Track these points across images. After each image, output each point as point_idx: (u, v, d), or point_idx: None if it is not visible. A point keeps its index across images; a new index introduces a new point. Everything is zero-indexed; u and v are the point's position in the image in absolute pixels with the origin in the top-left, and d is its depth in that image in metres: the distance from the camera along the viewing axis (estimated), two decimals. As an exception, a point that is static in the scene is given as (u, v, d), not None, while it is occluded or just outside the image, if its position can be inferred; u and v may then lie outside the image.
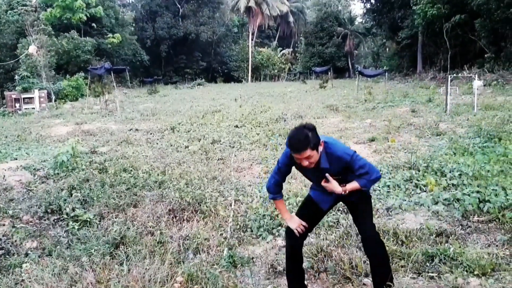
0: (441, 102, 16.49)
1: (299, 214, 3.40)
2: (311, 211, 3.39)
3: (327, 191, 3.21)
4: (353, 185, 3.06)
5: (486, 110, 14.03)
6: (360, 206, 3.24)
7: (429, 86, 26.72)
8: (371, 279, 3.29)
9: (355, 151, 3.08)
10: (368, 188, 3.14)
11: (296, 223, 3.26)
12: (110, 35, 47.45)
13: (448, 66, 33.68)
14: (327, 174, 3.04)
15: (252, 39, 62.39)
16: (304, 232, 3.34)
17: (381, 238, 3.20)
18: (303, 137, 2.88)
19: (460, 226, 4.70)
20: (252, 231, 4.94)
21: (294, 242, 3.34)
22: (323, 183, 3.08)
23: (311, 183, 3.48)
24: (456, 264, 3.78)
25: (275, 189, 3.34)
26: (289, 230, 3.34)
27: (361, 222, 3.22)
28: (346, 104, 18.55)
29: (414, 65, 41.93)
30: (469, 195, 5.40)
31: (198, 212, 5.42)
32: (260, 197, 6.00)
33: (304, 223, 3.25)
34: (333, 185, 3.04)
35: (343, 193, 3.04)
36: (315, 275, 3.84)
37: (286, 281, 3.50)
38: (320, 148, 2.98)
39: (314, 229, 3.95)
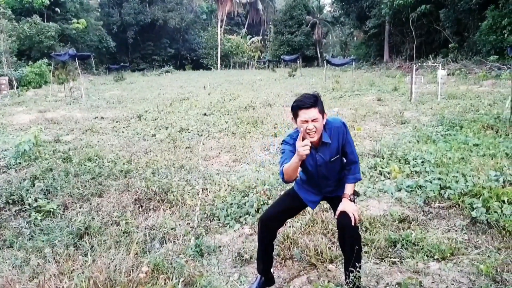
0: (406, 91, 16.85)
1: (281, 204, 3.39)
2: (293, 205, 3.40)
3: (317, 189, 3.28)
4: (349, 188, 3.16)
5: (449, 98, 14.43)
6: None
7: (395, 75, 27.23)
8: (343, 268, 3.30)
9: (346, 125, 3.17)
10: (358, 173, 3.22)
11: (300, 143, 2.83)
12: (74, 20, 46.13)
13: (414, 55, 34.41)
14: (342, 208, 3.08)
15: (221, 26, 61.88)
16: (280, 220, 3.38)
17: (358, 231, 3.19)
18: (313, 96, 2.98)
19: (422, 212, 4.83)
20: (219, 219, 4.94)
21: (267, 227, 3.33)
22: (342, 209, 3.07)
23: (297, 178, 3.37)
24: (417, 249, 3.89)
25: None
26: (263, 217, 3.35)
27: (340, 213, 3.11)
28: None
29: (381, 54, 42.61)
30: (431, 182, 5.56)
31: (164, 202, 5.38)
32: (228, 185, 5.99)
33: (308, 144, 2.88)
34: (352, 208, 3.06)
35: (351, 200, 3.11)
36: (281, 262, 3.88)
37: (257, 266, 3.51)
38: (324, 120, 3.02)
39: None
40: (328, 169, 3.16)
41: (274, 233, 3.44)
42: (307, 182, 3.35)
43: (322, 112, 2.98)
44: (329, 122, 3.09)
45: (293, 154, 2.95)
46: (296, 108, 2.97)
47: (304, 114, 2.93)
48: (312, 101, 2.93)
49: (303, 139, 2.94)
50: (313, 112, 2.92)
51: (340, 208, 3.08)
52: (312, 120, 2.92)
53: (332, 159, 3.11)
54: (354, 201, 3.14)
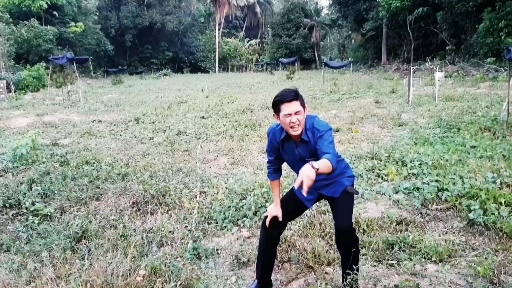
0: (404, 93, 16.88)
1: (282, 208, 3.36)
2: (293, 207, 3.38)
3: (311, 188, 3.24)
4: (322, 162, 2.71)
5: (447, 101, 14.47)
6: (341, 201, 3.17)
7: (392, 78, 27.29)
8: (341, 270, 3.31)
9: (331, 129, 3.03)
10: (334, 164, 2.76)
11: (272, 213, 3.27)
12: (72, 23, 46.17)
13: (411, 57, 34.48)
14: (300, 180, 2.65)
15: (219, 29, 61.92)
16: (280, 225, 3.36)
17: (355, 233, 3.19)
18: (293, 90, 2.99)
19: (420, 214, 4.83)
20: (217, 222, 4.92)
21: (269, 232, 3.33)
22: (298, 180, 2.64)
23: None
24: (414, 251, 3.89)
25: (269, 169, 3.40)
26: (265, 221, 3.35)
27: (337, 214, 3.14)
28: (312, 95, 18.72)
29: (379, 57, 42.70)
30: (428, 184, 5.57)
31: (162, 205, 5.37)
32: (226, 188, 5.99)
33: (279, 217, 3.26)
34: (306, 173, 2.59)
35: (315, 171, 2.62)
36: (278, 265, 3.87)
37: (256, 271, 3.51)
38: (306, 112, 3.01)
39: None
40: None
41: (278, 238, 3.45)
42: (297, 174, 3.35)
43: (303, 105, 2.98)
44: (309, 120, 3.04)
45: (271, 151, 3.28)
46: (278, 102, 2.97)
47: (286, 108, 2.92)
48: (293, 94, 2.95)
49: (287, 136, 3.06)
50: (295, 105, 2.92)
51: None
52: (295, 113, 2.92)
53: (309, 159, 2.99)
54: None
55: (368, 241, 4.06)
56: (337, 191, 3.17)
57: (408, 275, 3.52)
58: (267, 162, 3.39)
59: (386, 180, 6.08)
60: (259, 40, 71.30)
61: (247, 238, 4.51)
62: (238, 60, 63.00)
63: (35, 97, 23.76)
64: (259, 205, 5.19)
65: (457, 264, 3.68)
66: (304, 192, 2.55)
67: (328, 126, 3.02)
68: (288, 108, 2.92)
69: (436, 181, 5.64)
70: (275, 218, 3.28)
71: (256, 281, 3.45)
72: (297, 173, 3.26)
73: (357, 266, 3.11)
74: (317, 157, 2.96)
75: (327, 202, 3.50)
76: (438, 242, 4.03)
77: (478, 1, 26.32)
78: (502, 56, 13.54)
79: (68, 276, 3.39)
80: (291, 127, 2.95)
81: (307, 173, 2.58)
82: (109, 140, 10.32)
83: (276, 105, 2.99)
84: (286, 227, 4.41)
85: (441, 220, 4.68)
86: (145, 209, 5.28)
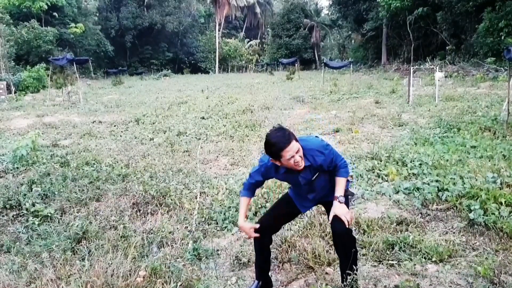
0: (404, 93, 16.87)
1: (275, 210, 3.38)
2: (288, 211, 3.40)
3: (309, 198, 3.26)
4: (340, 186, 3.03)
5: (447, 101, 14.46)
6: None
7: (393, 78, 27.27)
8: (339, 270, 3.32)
9: (328, 144, 3.09)
10: (348, 174, 3.10)
11: (247, 230, 3.25)
12: (72, 24, 46.20)
13: (411, 57, 34.48)
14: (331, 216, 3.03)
15: (219, 30, 61.90)
16: (275, 228, 3.38)
17: (352, 234, 3.18)
18: (280, 130, 2.90)
19: (420, 214, 4.83)
20: (217, 223, 4.92)
21: (262, 237, 3.32)
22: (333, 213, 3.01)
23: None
24: (415, 251, 3.89)
25: (245, 187, 3.36)
26: (259, 223, 3.34)
27: (334, 216, 3.09)
28: (312, 96, 18.73)
29: (379, 57, 42.71)
30: (428, 184, 5.57)
31: (162, 205, 5.37)
32: (226, 189, 5.99)
33: (256, 227, 3.24)
34: (342, 212, 2.97)
35: (343, 203, 3.00)
36: (279, 266, 3.87)
37: (255, 270, 3.52)
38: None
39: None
40: (312, 185, 3.15)
41: (270, 239, 3.46)
42: (297, 192, 3.36)
43: (296, 139, 2.91)
44: (302, 144, 2.97)
45: (261, 171, 3.19)
46: (278, 151, 2.86)
47: (287, 153, 2.84)
48: (287, 135, 2.86)
49: (289, 169, 3.00)
50: (294, 145, 2.84)
51: (331, 212, 3.03)
52: (296, 152, 2.86)
53: (314, 178, 3.08)
54: (347, 202, 3.09)
55: (368, 242, 4.06)
56: (333, 195, 3.16)
57: (408, 275, 3.52)
58: (247, 180, 3.33)
59: (386, 180, 6.07)
60: (259, 40, 71.30)
61: (247, 239, 4.49)
62: (238, 61, 62.97)
63: (35, 98, 23.76)
64: (259, 206, 5.18)
65: (457, 264, 3.68)
66: (351, 223, 3.05)
67: (324, 144, 3.05)
68: (289, 152, 2.84)
69: (436, 181, 5.64)
70: (260, 228, 3.27)
71: (255, 281, 3.46)
72: (301, 193, 3.29)
73: (356, 266, 3.12)
74: (322, 172, 3.08)
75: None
76: (438, 242, 4.03)
77: (478, 1, 26.32)
78: (502, 56, 13.56)
79: (69, 277, 3.39)
80: (296, 165, 2.91)
81: (343, 212, 2.98)
82: (109, 141, 10.32)
83: (276, 154, 2.90)
84: (286, 228, 4.45)
85: (442, 220, 4.67)
86: (145, 210, 5.28)
